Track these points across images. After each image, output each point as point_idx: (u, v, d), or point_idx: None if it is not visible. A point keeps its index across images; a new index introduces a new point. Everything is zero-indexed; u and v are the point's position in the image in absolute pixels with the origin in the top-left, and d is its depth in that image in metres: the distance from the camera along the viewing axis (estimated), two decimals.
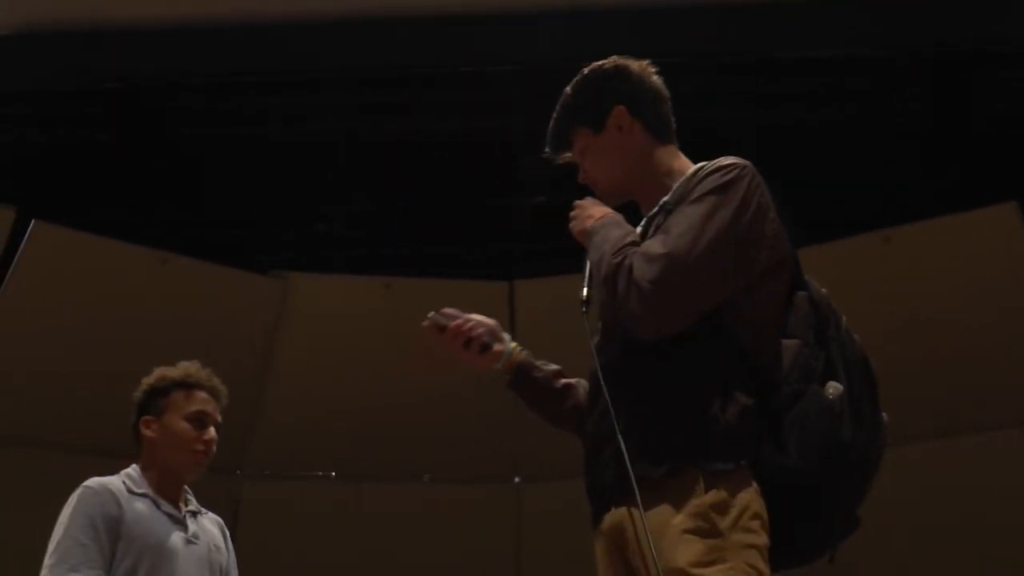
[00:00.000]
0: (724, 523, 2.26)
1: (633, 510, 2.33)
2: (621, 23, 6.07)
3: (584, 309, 2.52)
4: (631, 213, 2.61)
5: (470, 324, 2.73)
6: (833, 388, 2.33)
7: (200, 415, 3.55)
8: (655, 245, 2.35)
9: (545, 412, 2.80)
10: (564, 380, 2.78)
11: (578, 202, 2.62)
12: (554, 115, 2.69)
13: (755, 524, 2.28)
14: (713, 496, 2.27)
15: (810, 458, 2.28)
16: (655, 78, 2.66)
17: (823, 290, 2.50)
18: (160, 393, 3.59)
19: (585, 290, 2.53)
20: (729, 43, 6.38)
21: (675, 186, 2.50)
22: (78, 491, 3.39)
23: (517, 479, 7.35)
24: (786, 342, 2.39)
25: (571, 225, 2.60)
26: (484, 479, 7.26)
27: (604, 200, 2.62)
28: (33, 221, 6.48)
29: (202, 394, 3.59)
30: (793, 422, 2.30)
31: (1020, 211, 6.76)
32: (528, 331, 6.96)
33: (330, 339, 7.22)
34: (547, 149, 2.71)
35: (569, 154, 2.69)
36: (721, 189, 2.40)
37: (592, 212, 2.57)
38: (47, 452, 6.44)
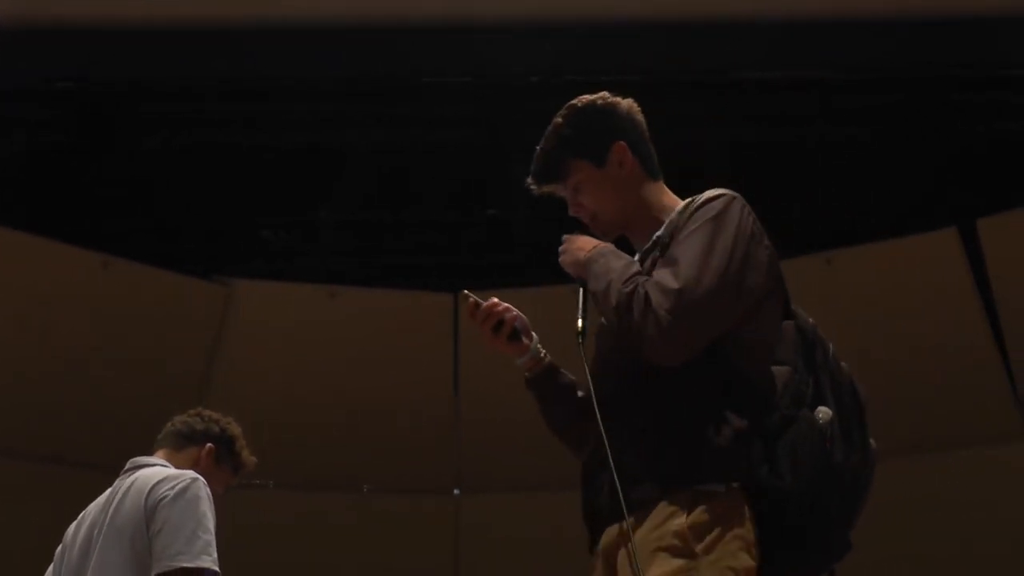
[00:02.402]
0: (700, 545, 2.30)
1: (624, 532, 2.38)
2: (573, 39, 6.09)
3: (580, 340, 2.54)
4: (620, 247, 2.63)
5: (504, 307, 2.69)
6: (824, 413, 2.40)
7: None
8: (667, 276, 2.41)
9: (558, 417, 2.79)
10: (583, 394, 2.75)
11: (568, 236, 2.65)
12: (545, 146, 2.69)
13: (735, 546, 2.32)
14: (695, 517, 2.32)
15: (804, 481, 2.34)
16: (640, 115, 2.72)
17: (809, 319, 2.56)
18: (237, 452, 3.86)
19: (580, 321, 2.54)
20: (675, 63, 6.43)
21: (667, 220, 2.56)
22: (200, 482, 3.44)
23: (456, 491, 7.34)
24: (777, 368, 2.46)
25: (562, 258, 2.63)
26: (423, 490, 7.25)
27: (600, 234, 2.65)
28: None
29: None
30: (786, 446, 2.36)
31: (960, 237, 6.87)
32: (473, 343, 6.97)
33: (273, 347, 7.18)
34: (532, 179, 2.72)
35: (553, 185, 2.71)
36: (717, 218, 2.46)
37: (583, 244, 2.60)
38: None
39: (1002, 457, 6.85)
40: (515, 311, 2.71)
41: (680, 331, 2.36)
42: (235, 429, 3.85)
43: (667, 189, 2.70)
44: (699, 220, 2.48)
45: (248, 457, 3.85)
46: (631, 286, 2.42)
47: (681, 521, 2.32)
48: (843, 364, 2.54)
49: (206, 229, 7.49)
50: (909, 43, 6.32)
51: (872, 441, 2.53)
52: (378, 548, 7.01)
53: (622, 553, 2.39)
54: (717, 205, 2.49)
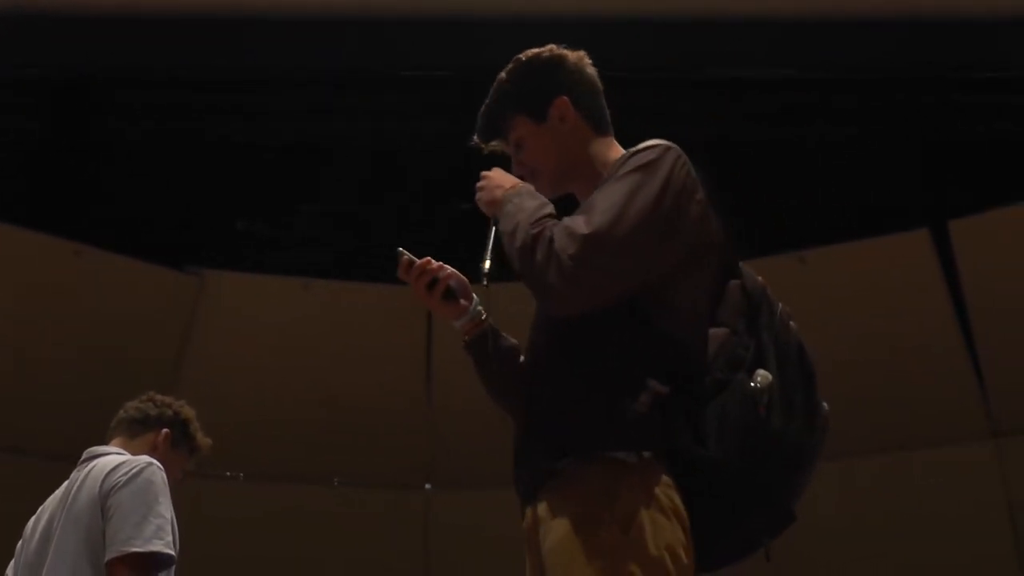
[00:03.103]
0: (611, 517, 2.18)
1: (537, 505, 2.30)
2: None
3: (486, 283, 2.43)
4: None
5: (438, 266, 2.60)
6: (761, 377, 2.27)
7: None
8: (578, 221, 2.28)
9: (493, 382, 2.69)
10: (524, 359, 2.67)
11: (485, 173, 2.55)
12: (488, 101, 2.61)
13: (651, 519, 2.19)
14: (605, 488, 2.20)
15: (730, 449, 2.22)
16: (591, 69, 2.61)
17: (759, 279, 2.46)
18: (192, 435, 3.83)
19: (488, 263, 2.44)
20: (655, 59, 6.44)
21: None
22: (153, 467, 3.42)
23: (428, 486, 7.33)
24: (714, 331, 2.35)
25: (478, 196, 2.52)
26: (395, 484, 7.24)
27: (542, 190, 2.52)
28: None
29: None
30: (715, 412, 2.24)
31: (932, 239, 6.91)
32: (447, 335, 6.96)
33: (245, 338, 7.14)
34: (476, 136, 2.64)
35: (497, 143, 2.63)
36: (644, 168, 2.34)
37: (502, 182, 2.49)
38: None
39: (970, 456, 6.90)
40: (451, 270, 2.61)
41: (581, 279, 2.23)
42: (188, 412, 3.84)
43: (616, 144, 2.58)
44: (627, 168, 2.35)
45: (203, 439, 3.85)
46: (538, 228, 2.30)
47: (592, 491, 2.20)
48: (792, 326, 2.42)
49: (180, 219, 7.46)
50: (883, 46, 6.35)
51: (824, 406, 2.39)
52: (348, 542, 7.00)
53: (541, 530, 2.30)
54: (648, 155, 2.37)
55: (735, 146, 7.16)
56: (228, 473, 7.17)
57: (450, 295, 2.59)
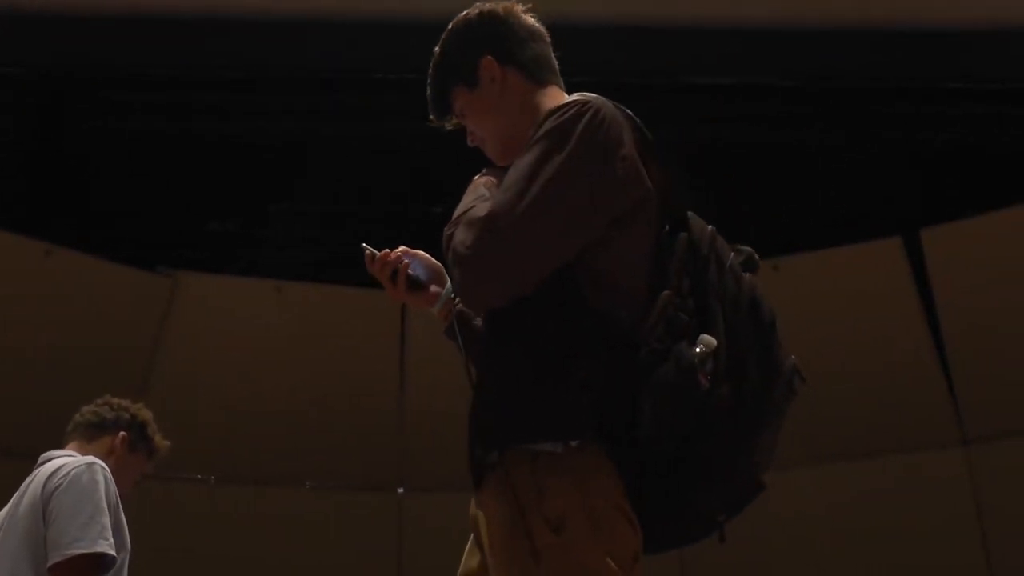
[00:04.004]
0: (543, 516, 2.04)
1: (478, 499, 2.18)
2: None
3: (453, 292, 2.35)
4: None
5: (398, 256, 2.43)
6: (704, 343, 2.07)
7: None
8: (481, 208, 2.12)
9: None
10: None
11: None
12: (429, 78, 2.45)
13: (598, 516, 2.05)
14: (535, 481, 2.05)
15: (667, 425, 2.04)
16: (527, 18, 2.42)
17: (709, 228, 2.25)
18: (150, 437, 3.79)
19: None
20: (627, 64, 6.44)
21: None
22: (96, 466, 3.40)
23: (400, 489, 7.32)
24: (653, 296, 2.13)
25: None
26: (367, 487, 7.22)
27: (494, 159, 2.38)
28: None
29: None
30: (651, 388, 2.05)
31: (904, 247, 6.95)
32: (419, 341, 6.96)
33: (217, 340, 7.11)
34: (431, 117, 2.47)
35: (448, 119, 2.46)
36: (553, 133, 2.13)
37: (469, 186, 2.35)
38: None
39: (940, 463, 6.94)
40: (415, 259, 2.44)
41: (481, 269, 2.07)
42: (145, 414, 3.80)
43: (562, 93, 2.38)
44: (539, 133, 2.15)
45: (161, 441, 3.82)
46: (452, 228, 2.16)
47: (521, 488, 2.05)
48: (746, 277, 2.22)
49: (153, 220, 7.42)
50: (858, 53, 6.39)
51: (791, 359, 2.20)
52: (321, 544, 6.97)
53: (480, 526, 2.18)
54: (562, 115, 2.16)
55: (709, 152, 7.18)
56: (199, 476, 7.14)
57: (415, 284, 2.43)
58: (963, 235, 6.92)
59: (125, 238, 7.33)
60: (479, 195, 2.23)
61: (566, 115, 2.16)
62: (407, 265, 2.42)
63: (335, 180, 7.25)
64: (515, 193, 2.08)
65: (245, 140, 7.14)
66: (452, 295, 2.43)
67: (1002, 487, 6.81)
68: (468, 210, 2.17)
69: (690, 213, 2.26)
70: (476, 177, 2.36)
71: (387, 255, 2.42)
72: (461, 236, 2.11)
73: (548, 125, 2.16)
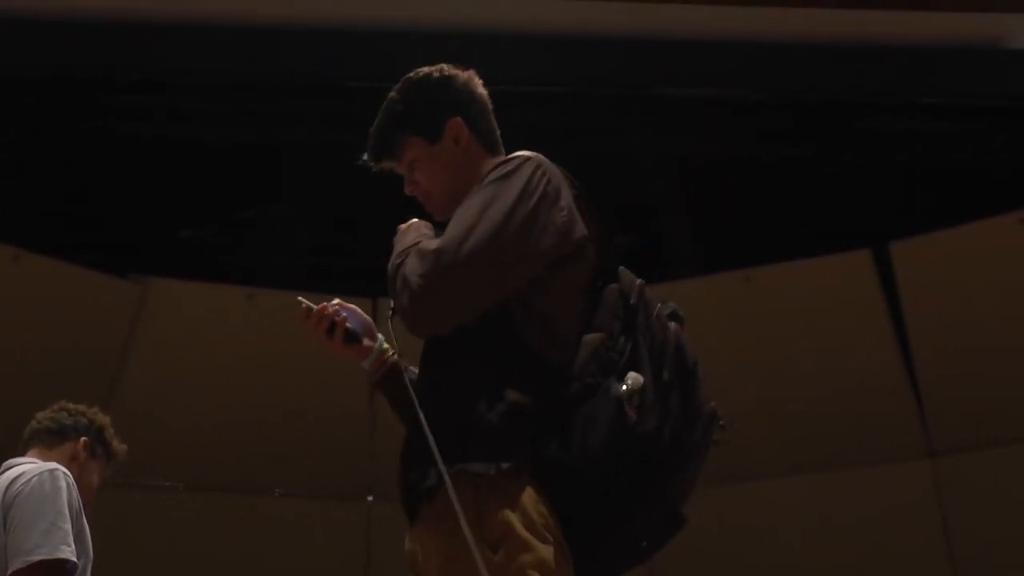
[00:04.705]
0: (488, 541, 2.15)
1: (416, 527, 2.31)
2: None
3: (390, 314, 2.44)
4: None
5: (336, 310, 2.56)
6: (632, 379, 2.21)
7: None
8: (430, 241, 2.30)
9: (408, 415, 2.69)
10: None
11: (402, 226, 2.53)
12: (379, 121, 2.59)
13: (532, 539, 2.16)
14: (469, 502, 2.16)
15: (595, 454, 2.17)
16: (481, 88, 2.58)
17: (638, 281, 2.40)
18: (108, 441, 3.77)
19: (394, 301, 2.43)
20: (602, 76, 6.46)
21: None
22: (58, 472, 3.38)
23: (370, 497, 7.30)
24: (587, 336, 2.30)
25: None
26: (336, 495, 7.20)
27: (435, 214, 2.52)
28: None
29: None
30: (582, 418, 2.19)
31: (873, 260, 7.00)
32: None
33: (187, 347, 7.08)
34: (367, 157, 2.62)
35: (389, 163, 2.60)
36: (498, 181, 2.33)
37: (417, 227, 2.48)
38: None
39: (907, 475, 6.99)
40: (350, 312, 2.57)
41: (430, 297, 2.24)
42: (103, 419, 3.79)
43: None
44: (485, 181, 2.35)
45: (119, 445, 3.81)
46: (401, 258, 2.32)
47: (458, 507, 2.15)
48: (672, 326, 2.36)
49: (123, 225, 7.38)
50: (830, 68, 6.43)
51: (711, 405, 2.34)
52: (290, 552, 6.95)
53: (417, 548, 2.32)
54: (507, 166, 2.36)
55: (682, 164, 7.21)
56: (167, 482, 7.11)
57: (351, 337, 2.56)
58: (932, 248, 6.98)
59: (96, 243, 7.30)
60: (422, 234, 2.39)
61: (510, 166, 2.36)
62: (344, 319, 2.55)
63: (308, 187, 7.25)
64: (464, 230, 2.25)
65: (218, 146, 7.11)
66: (384, 349, 2.59)
67: (969, 500, 6.86)
68: (415, 244, 2.33)
69: (621, 267, 2.43)
70: (404, 226, 2.50)
71: (324, 308, 2.55)
72: (412, 265, 2.26)
73: (493, 175, 2.35)
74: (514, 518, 2.17)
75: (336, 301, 2.60)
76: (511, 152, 2.49)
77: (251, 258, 7.60)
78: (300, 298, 2.60)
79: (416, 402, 2.31)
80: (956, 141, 7.16)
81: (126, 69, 6.47)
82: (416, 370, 2.60)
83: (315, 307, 2.56)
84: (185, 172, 7.16)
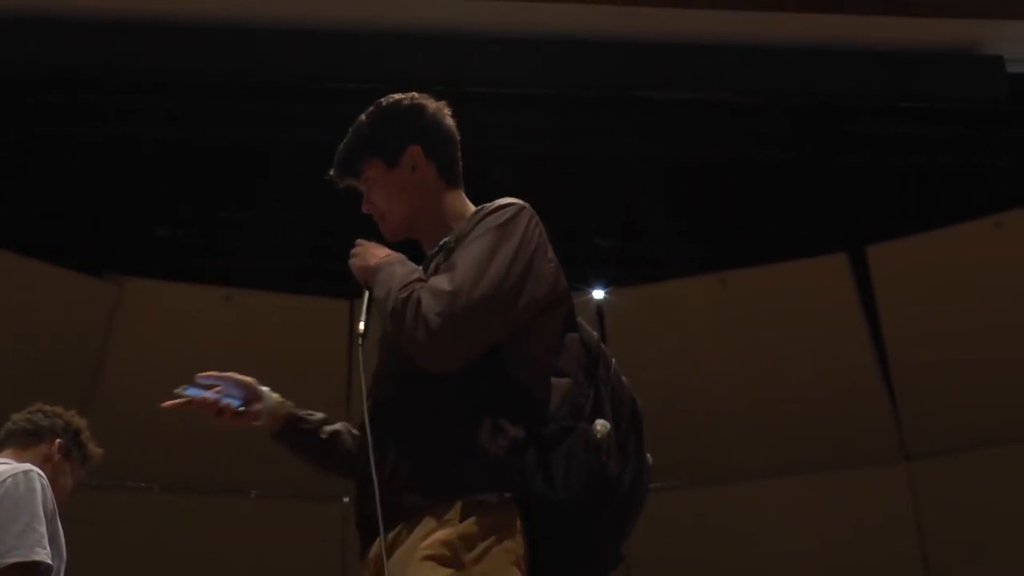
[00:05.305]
0: (469, 555, 2.26)
1: (387, 543, 2.35)
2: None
3: (360, 342, 2.53)
4: (410, 251, 2.62)
5: (213, 397, 2.76)
6: (601, 425, 2.34)
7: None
8: (442, 281, 2.37)
9: (313, 462, 2.85)
10: (330, 428, 2.83)
11: (360, 241, 2.61)
12: (347, 140, 2.69)
13: (505, 559, 2.28)
14: (466, 527, 2.27)
15: (576, 493, 2.30)
16: (449, 120, 2.67)
17: (594, 333, 2.55)
18: (84, 444, 3.76)
19: (362, 324, 2.53)
20: (578, 78, 6.46)
21: (456, 227, 2.52)
22: (33, 474, 3.36)
23: (346, 498, 7.29)
24: (557, 380, 2.42)
25: (352, 261, 2.58)
26: (312, 496, 7.18)
27: (387, 235, 2.63)
28: None
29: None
30: (561, 457, 2.32)
31: (850, 263, 7.04)
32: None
33: (164, 348, 7.05)
34: (333, 172, 2.72)
35: (350, 180, 2.70)
36: (503, 227, 2.43)
37: (375, 251, 2.56)
38: None
39: (882, 477, 7.02)
40: (228, 385, 2.79)
41: (449, 335, 2.32)
42: (79, 421, 3.78)
43: (465, 198, 2.65)
44: (485, 227, 2.44)
45: (95, 449, 3.79)
46: (407, 292, 2.39)
47: (450, 531, 2.26)
48: (624, 379, 2.51)
49: (101, 225, 7.35)
50: (807, 73, 6.45)
51: (648, 456, 2.47)
52: (266, 553, 6.94)
53: (389, 563, 2.35)
54: (505, 213, 2.46)
55: (659, 167, 7.22)
56: (143, 484, 7.08)
57: (238, 413, 2.75)
58: (908, 252, 7.02)
59: (73, 243, 7.26)
60: (412, 269, 2.47)
61: (508, 214, 2.46)
62: (228, 405, 2.76)
63: (287, 188, 7.23)
64: (475, 274, 2.36)
65: (195, 146, 7.09)
66: (274, 406, 2.77)
67: (943, 502, 6.90)
68: (416, 280, 2.42)
69: (578, 318, 2.54)
70: (365, 246, 2.59)
71: (204, 401, 2.76)
72: (428, 303, 2.34)
73: (495, 220, 2.45)
74: (501, 545, 2.28)
75: (214, 376, 2.83)
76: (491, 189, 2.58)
77: (229, 259, 7.57)
78: (177, 391, 2.82)
79: (386, 428, 2.41)
80: (933, 146, 7.19)
81: (101, 69, 6.44)
82: (316, 414, 2.84)
83: (195, 398, 2.76)
84: (162, 173, 7.13)
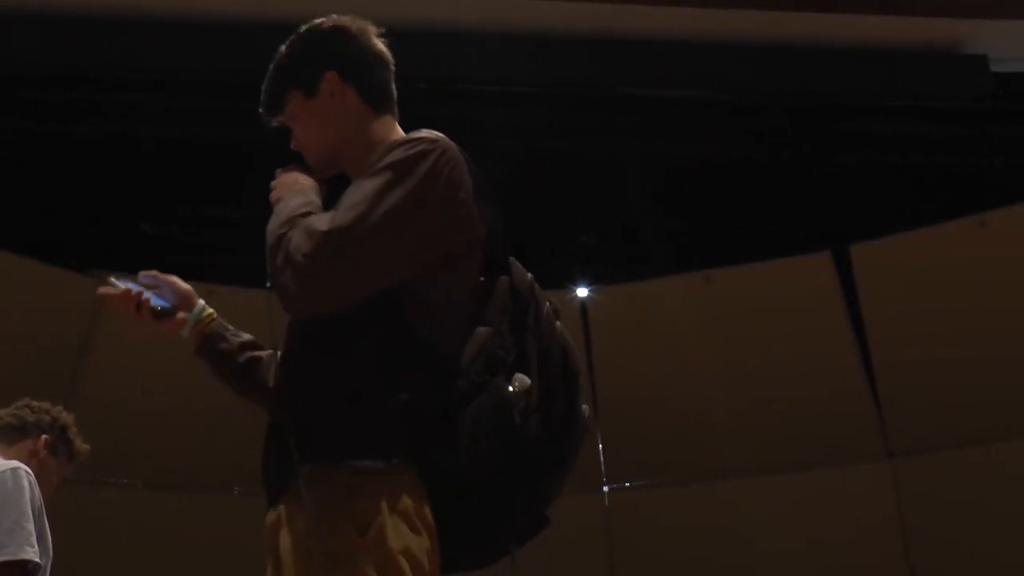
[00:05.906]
0: (357, 525, 2.10)
1: (280, 509, 2.26)
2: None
3: (268, 285, 2.29)
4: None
5: (139, 291, 2.62)
6: (520, 381, 2.16)
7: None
8: (321, 219, 2.18)
9: (229, 384, 2.75)
10: (250, 354, 2.71)
11: (281, 170, 2.48)
12: (267, 75, 2.51)
13: (399, 526, 2.11)
14: (352, 494, 2.11)
15: (481, 455, 2.12)
16: (377, 42, 2.47)
17: (528, 275, 2.34)
18: (71, 440, 3.78)
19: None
20: (561, 76, 6.46)
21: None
22: (21, 471, 3.36)
23: None
24: (477, 331, 2.22)
25: (272, 195, 2.43)
26: None
27: (313, 167, 2.44)
28: None
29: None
30: (468, 416, 2.13)
31: (833, 261, 7.06)
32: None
33: (146, 344, 7.03)
34: (261, 110, 2.55)
35: (277, 117, 2.52)
36: (402, 164, 2.21)
37: (292, 181, 2.41)
38: None
39: (865, 475, 7.04)
40: (163, 285, 2.64)
41: (313, 278, 2.13)
42: (66, 417, 3.79)
43: (396, 125, 2.45)
44: (386, 162, 2.22)
45: (81, 445, 3.81)
46: (285, 228, 2.22)
47: (336, 500, 2.11)
48: (558, 325, 2.31)
49: (83, 220, 7.32)
50: (791, 71, 6.47)
51: (584, 408, 2.28)
52: (248, 552, 6.90)
53: (281, 533, 2.24)
54: (412, 148, 2.23)
55: (643, 165, 7.23)
56: (126, 480, 7.06)
57: (161, 313, 2.62)
58: (891, 251, 7.04)
59: (56, 239, 7.24)
60: (309, 200, 2.30)
61: (414, 150, 2.23)
62: (147, 300, 2.62)
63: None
64: (357, 214, 2.15)
65: (180, 142, 7.07)
66: (204, 317, 2.67)
67: (926, 500, 6.92)
68: (301, 214, 2.24)
69: (512, 259, 2.34)
70: (283, 171, 2.46)
71: (128, 292, 2.61)
72: (298, 242, 2.16)
73: (396, 155, 2.23)
74: (387, 509, 2.11)
75: (153, 273, 2.67)
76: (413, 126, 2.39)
77: (212, 255, 7.56)
78: (112, 279, 2.63)
79: (282, 382, 2.29)
80: (917, 144, 7.22)
81: (90, 65, 6.41)
82: (242, 335, 2.70)
83: (121, 287, 2.61)
84: (146, 169, 7.11)
